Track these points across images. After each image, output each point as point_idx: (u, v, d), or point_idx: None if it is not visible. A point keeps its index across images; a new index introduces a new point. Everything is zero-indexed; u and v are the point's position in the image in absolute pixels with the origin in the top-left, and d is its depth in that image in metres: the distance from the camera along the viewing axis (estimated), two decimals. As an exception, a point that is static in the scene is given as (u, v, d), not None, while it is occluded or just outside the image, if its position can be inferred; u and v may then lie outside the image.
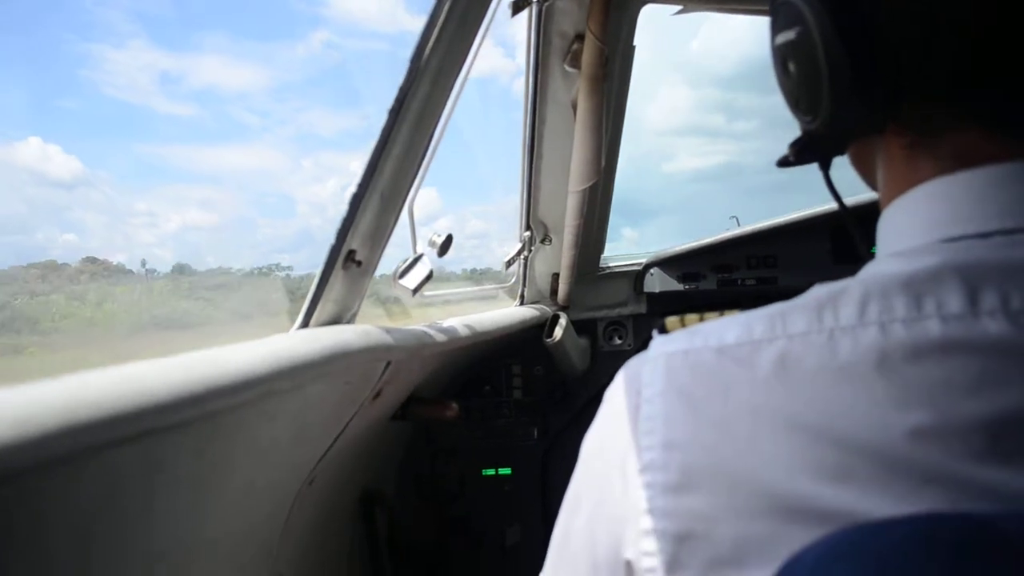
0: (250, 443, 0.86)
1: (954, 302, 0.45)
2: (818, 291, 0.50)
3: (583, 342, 2.24)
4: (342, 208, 1.06)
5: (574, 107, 1.51)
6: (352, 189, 1.06)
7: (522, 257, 1.92)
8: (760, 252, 2.19)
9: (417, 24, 1.01)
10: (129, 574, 0.68)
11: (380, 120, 1.03)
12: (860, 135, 0.60)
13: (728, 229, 2.24)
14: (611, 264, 2.28)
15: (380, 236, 1.14)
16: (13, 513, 0.49)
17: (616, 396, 0.56)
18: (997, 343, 0.43)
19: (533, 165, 1.74)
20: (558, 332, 1.96)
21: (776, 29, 0.60)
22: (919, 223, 0.52)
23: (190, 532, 0.80)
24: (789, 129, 0.64)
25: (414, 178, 1.17)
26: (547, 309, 2.08)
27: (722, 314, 0.59)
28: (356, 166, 1.05)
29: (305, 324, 1.08)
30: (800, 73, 0.57)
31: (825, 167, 0.64)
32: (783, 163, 0.65)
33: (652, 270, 2.24)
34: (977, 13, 0.48)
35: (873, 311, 0.46)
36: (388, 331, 1.17)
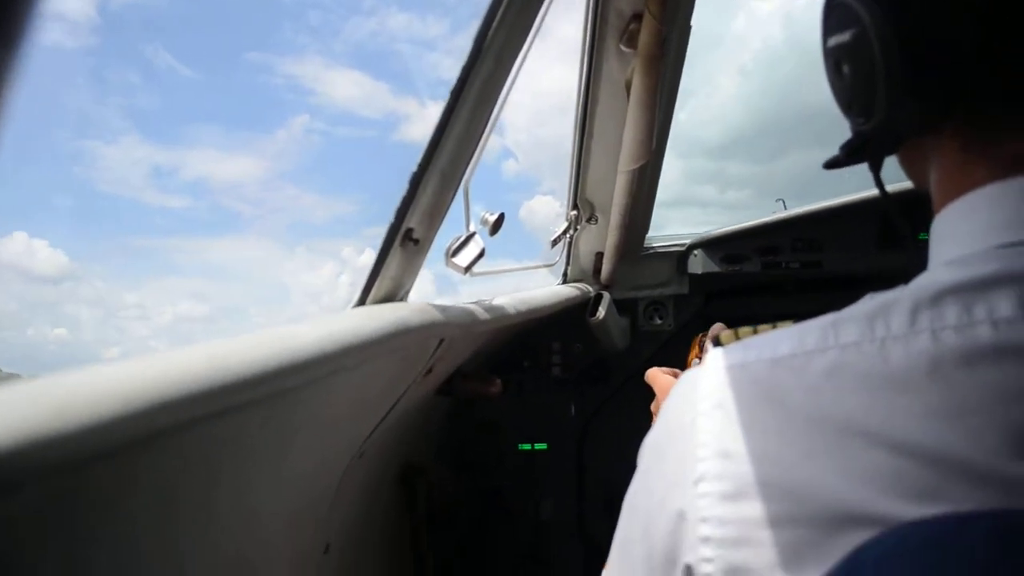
0: (313, 418, 0.87)
1: (1005, 307, 0.45)
2: (870, 301, 0.51)
3: (624, 321, 2.24)
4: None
5: (628, 87, 1.49)
6: (412, 169, 1.07)
7: (568, 236, 1.92)
8: (806, 235, 2.17)
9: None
10: (199, 540, 0.70)
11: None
12: (913, 136, 0.59)
13: (774, 212, 2.22)
14: (655, 244, 2.27)
15: (437, 214, 1.15)
16: (113, 483, 0.51)
17: (673, 409, 0.56)
18: None
19: (584, 144, 1.73)
20: (601, 311, 1.96)
21: (829, 31, 0.60)
22: (973, 230, 0.52)
23: (255, 503, 0.82)
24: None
25: (471, 156, 1.17)
26: (590, 288, 2.08)
27: (775, 326, 0.59)
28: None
29: (362, 301, 1.09)
30: (854, 74, 0.57)
31: (876, 168, 0.64)
32: (832, 164, 0.65)
33: (696, 251, 2.23)
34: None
35: (924, 319, 0.46)
36: (442, 309, 1.18)
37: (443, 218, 1.17)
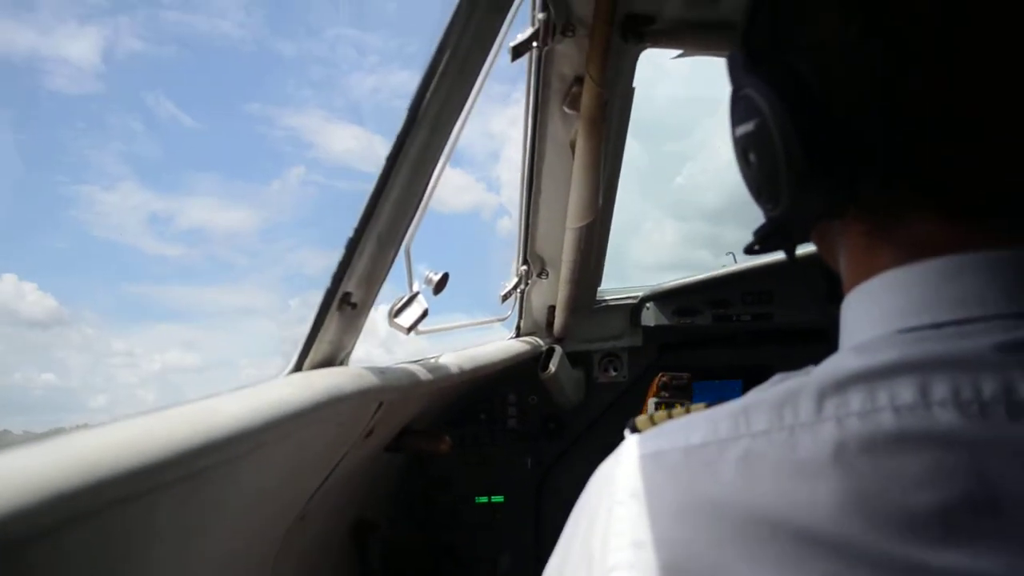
0: (239, 492, 0.86)
1: (906, 394, 0.46)
2: (779, 384, 0.52)
3: (577, 374, 2.25)
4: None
5: (572, 147, 1.52)
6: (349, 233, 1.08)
7: (518, 290, 1.93)
8: (756, 288, 2.20)
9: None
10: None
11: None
12: (820, 221, 0.61)
13: (724, 266, 2.25)
14: (607, 297, 2.29)
15: (376, 278, 1.15)
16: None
17: (593, 495, 0.57)
18: (947, 434, 0.44)
19: (531, 201, 1.75)
20: (552, 366, 1.96)
21: (736, 121, 0.61)
22: (876, 314, 0.53)
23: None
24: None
25: (411, 220, 1.18)
26: (541, 342, 2.09)
27: (688, 411, 0.60)
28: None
29: (298, 366, 1.09)
30: (760, 163, 0.58)
31: (791, 253, 0.66)
32: (750, 250, 0.66)
33: (648, 304, 2.25)
34: (927, 102, 0.49)
35: (830, 406, 0.47)
36: (382, 371, 1.18)
37: (382, 281, 1.18)
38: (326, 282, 1.09)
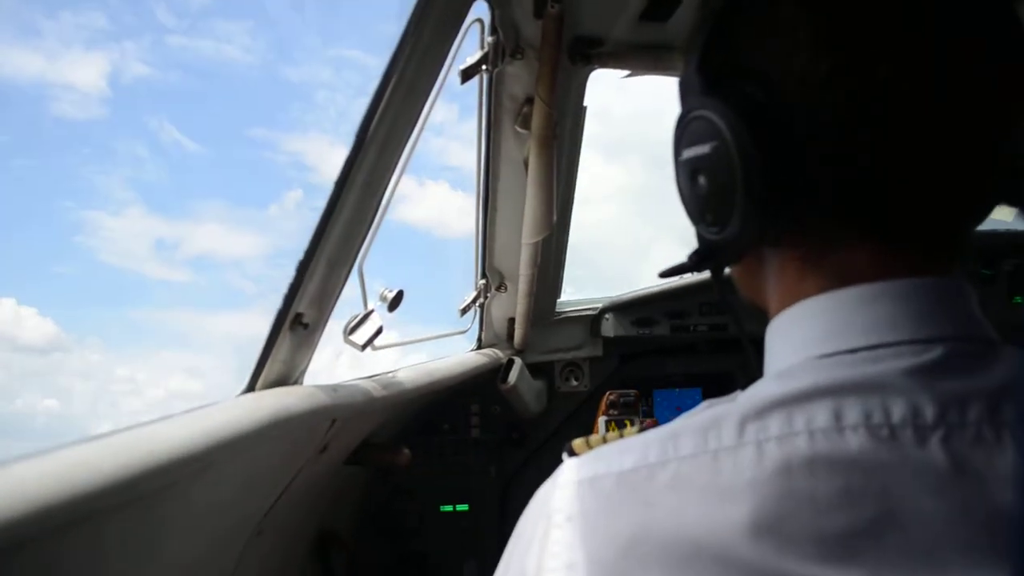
0: (188, 512, 0.88)
1: (821, 418, 0.49)
2: (705, 412, 0.54)
3: (538, 384, 2.28)
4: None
5: (526, 164, 1.55)
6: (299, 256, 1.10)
7: (477, 303, 1.96)
8: (713, 299, 2.24)
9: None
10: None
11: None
12: (762, 244, 0.61)
13: (681, 278, 2.29)
14: (567, 309, 2.32)
15: (328, 298, 1.18)
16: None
17: (529, 521, 0.59)
18: (858, 457, 0.47)
19: (488, 217, 1.78)
20: (512, 377, 1.99)
21: (686, 143, 0.61)
22: (798, 340, 0.56)
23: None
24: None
25: (363, 241, 1.20)
26: (502, 354, 2.12)
27: (622, 434, 0.62)
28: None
29: (251, 387, 1.11)
30: (711, 186, 0.59)
31: (718, 276, 0.67)
32: (674, 272, 0.68)
33: (607, 315, 2.28)
34: (876, 144, 0.52)
35: (751, 431, 0.50)
36: (334, 389, 1.20)
37: (335, 301, 1.21)
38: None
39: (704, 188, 0.59)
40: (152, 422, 0.83)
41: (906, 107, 0.51)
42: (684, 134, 0.61)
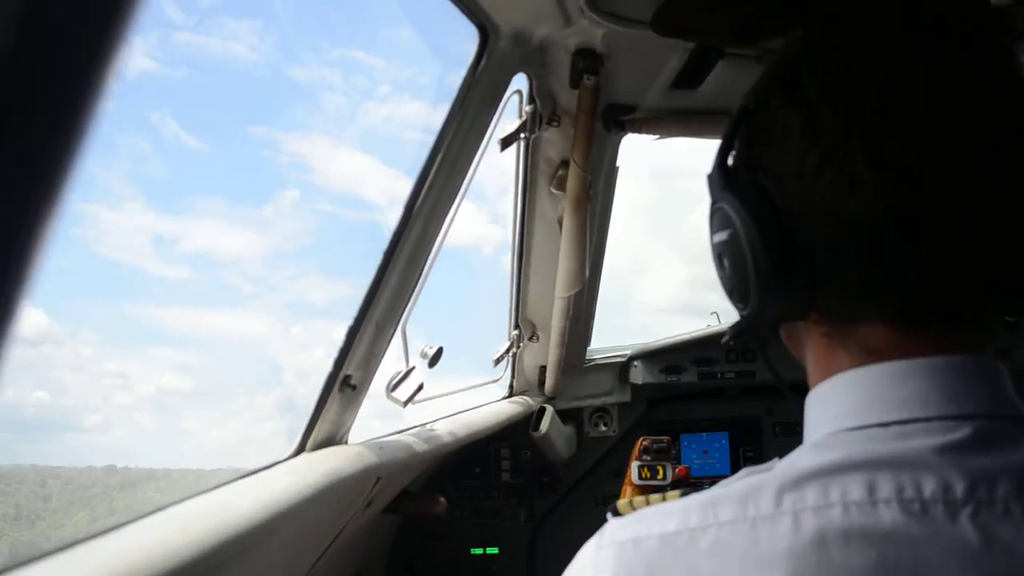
0: (246, 569, 0.93)
1: (856, 491, 0.52)
2: (743, 480, 0.58)
3: (568, 430, 2.31)
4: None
5: (560, 223, 1.60)
6: (349, 322, 1.16)
7: (511, 353, 2.01)
8: (740, 346, 2.27)
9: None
10: None
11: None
12: (786, 321, 0.68)
13: (709, 325, 2.33)
14: (596, 356, 2.36)
15: (374, 360, 1.23)
16: None
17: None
18: (891, 531, 0.50)
19: (522, 271, 1.84)
20: (544, 425, 2.03)
21: (713, 229, 0.67)
22: (833, 412, 0.60)
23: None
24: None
25: (406, 305, 1.26)
26: (532, 401, 2.16)
27: (665, 498, 0.66)
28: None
29: (301, 447, 1.16)
30: (732, 268, 0.65)
31: (762, 347, 0.72)
32: (726, 343, 0.73)
33: (636, 362, 2.32)
34: (877, 220, 0.55)
35: (788, 500, 0.53)
36: (380, 446, 1.25)
37: (379, 362, 1.26)
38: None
39: (728, 270, 0.66)
40: (214, 489, 0.88)
41: (885, 197, 0.55)
42: (712, 222, 0.67)
